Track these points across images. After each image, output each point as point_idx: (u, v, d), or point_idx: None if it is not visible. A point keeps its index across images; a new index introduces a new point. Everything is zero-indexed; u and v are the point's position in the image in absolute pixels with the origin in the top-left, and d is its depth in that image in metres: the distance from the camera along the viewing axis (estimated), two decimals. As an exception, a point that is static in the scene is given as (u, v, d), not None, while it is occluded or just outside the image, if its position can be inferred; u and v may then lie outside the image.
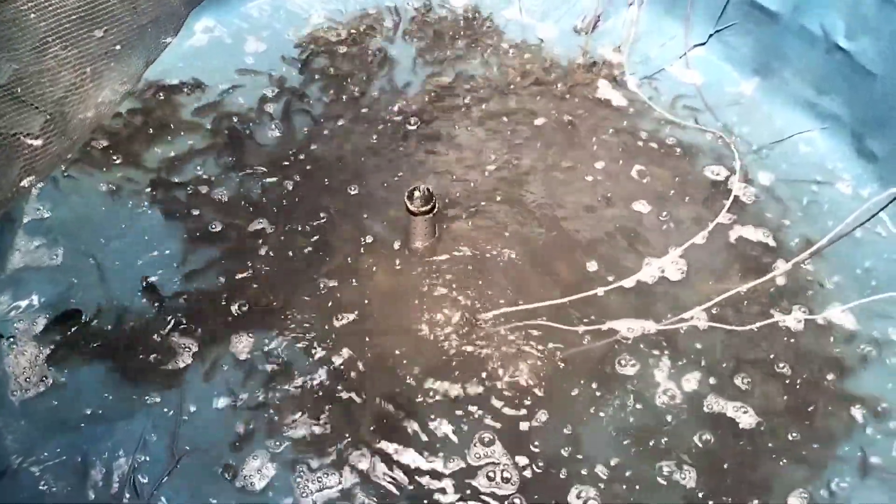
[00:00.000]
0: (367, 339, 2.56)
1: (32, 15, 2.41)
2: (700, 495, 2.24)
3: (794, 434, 2.35)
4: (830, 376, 2.48)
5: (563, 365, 2.49)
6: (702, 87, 3.37)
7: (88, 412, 2.38)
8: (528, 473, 2.26)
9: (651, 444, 2.33)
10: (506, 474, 2.25)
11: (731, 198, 2.90)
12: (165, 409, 2.39)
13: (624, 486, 2.24)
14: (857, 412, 2.39)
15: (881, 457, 2.31)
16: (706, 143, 3.16)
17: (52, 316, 2.56)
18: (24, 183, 2.62)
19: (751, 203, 2.94)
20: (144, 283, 2.67)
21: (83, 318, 2.58)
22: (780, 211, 2.92)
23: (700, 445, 2.33)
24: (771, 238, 2.83)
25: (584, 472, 2.26)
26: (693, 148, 3.14)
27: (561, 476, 2.25)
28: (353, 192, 2.98)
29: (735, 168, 3.01)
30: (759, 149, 3.12)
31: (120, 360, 2.50)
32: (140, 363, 2.49)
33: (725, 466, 2.29)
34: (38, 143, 2.50)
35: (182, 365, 2.49)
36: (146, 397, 2.41)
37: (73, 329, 2.55)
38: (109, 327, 2.57)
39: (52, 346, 2.51)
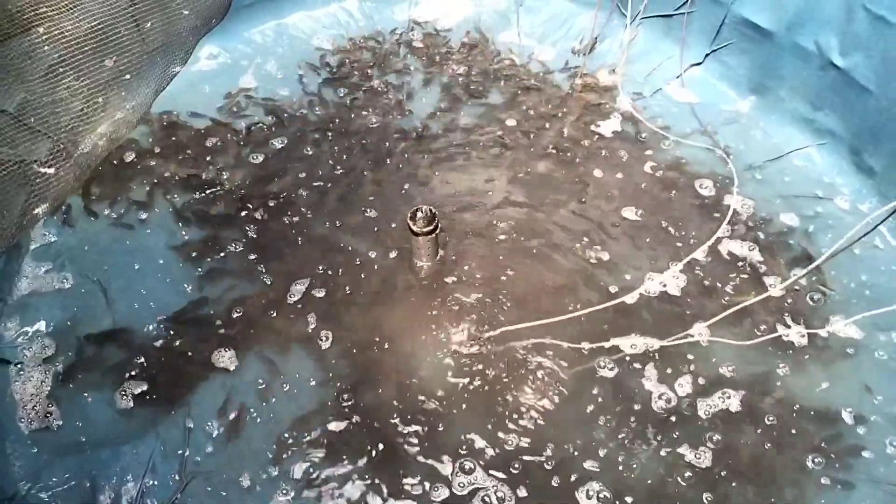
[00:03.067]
0: (366, 358, 2.58)
1: (46, 47, 2.46)
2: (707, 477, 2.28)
3: (794, 431, 2.39)
4: (825, 384, 2.49)
5: (566, 382, 2.50)
6: (699, 105, 3.41)
7: (96, 437, 2.39)
8: (522, 492, 2.27)
9: (648, 435, 2.36)
10: (499, 494, 2.26)
11: (731, 213, 2.93)
12: (174, 433, 2.39)
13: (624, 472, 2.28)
14: (848, 416, 2.42)
15: (874, 453, 2.34)
16: (704, 160, 3.19)
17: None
18: (38, 211, 2.65)
19: (750, 218, 2.96)
20: (151, 306, 2.69)
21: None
22: (780, 226, 2.94)
23: (707, 437, 2.38)
24: (771, 253, 2.85)
25: (574, 476, 2.28)
26: (691, 165, 3.18)
27: (554, 484, 2.27)
28: (356, 213, 3.01)
29: (734, 184, 3.04)
30: (758, 165, 3.16)
31: (127, 383, 2.51)
32: (148, 386, 2.50)
33: (729, 457, 2.34)
34: (51, 171, 2.54)
35: (190, 388, 2.50)
36: (154, 421, 2.42)
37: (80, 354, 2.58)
38: (117, 351, 2.59)
39: (59, 372, 2.52)
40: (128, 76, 2.92)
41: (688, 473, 2.30)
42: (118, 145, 3.15)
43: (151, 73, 3.11)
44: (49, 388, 2.49)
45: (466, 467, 2.31)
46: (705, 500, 2.24)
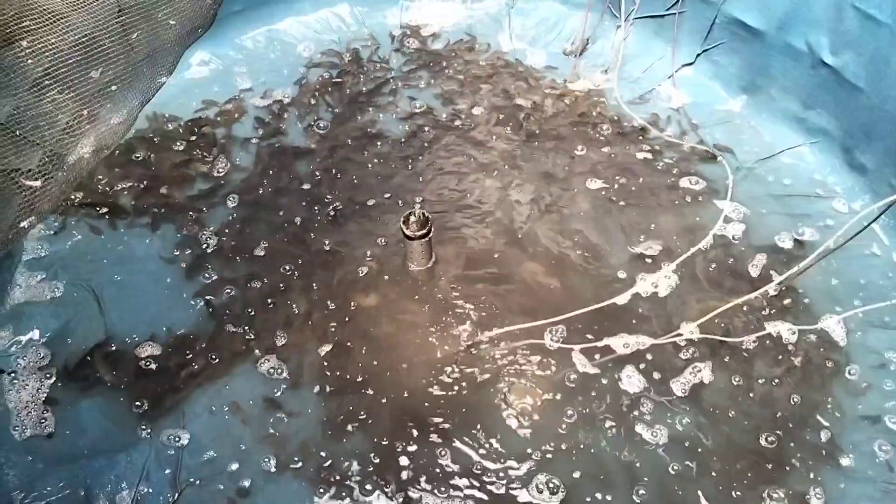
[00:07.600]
0: (356, 365, 2.59)
1: (30, 61, 2.45)
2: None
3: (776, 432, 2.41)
4: (818, 381, 2.51)
5: (547, 384, 2.52)
6: (691, 105, 3.41)
7: (91, 445, 2.39)
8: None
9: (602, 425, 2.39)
10: None
11: (723, 213, 2.93)
12: (168, 440, 2.39)
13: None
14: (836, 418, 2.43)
15: (856, 455, 2.36)
16: (695, 160, 3.19)
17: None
18: (24, 224, 2.65)
19: (742, 218, 2.96)
20: (144, 315, 2.69)
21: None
22: (772, 225, 2.94)
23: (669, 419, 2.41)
24: (763, 251, 2.86)
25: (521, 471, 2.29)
26: (683, 164, 3.18)
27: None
28: (350, 218, 3.01)
29: (726, 183, 3.04)
30: (750, 165, 3.16)
31: (121, 392, 2.51)
32: (142, 394, 2.50)
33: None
34: (37, 184, 2.54)
35: (184, 395, 2.50)
36: (149, 429, 2.42)
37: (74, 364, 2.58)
38: (111, 360, 2.59)
39: (53, 381, 2.52)
40: (114, 87, 2.91)
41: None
42: (108, 154, 3.14)
43: (138, 84, 3.10)
44: (44, 397, 2.48)
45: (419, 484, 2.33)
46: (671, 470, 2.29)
